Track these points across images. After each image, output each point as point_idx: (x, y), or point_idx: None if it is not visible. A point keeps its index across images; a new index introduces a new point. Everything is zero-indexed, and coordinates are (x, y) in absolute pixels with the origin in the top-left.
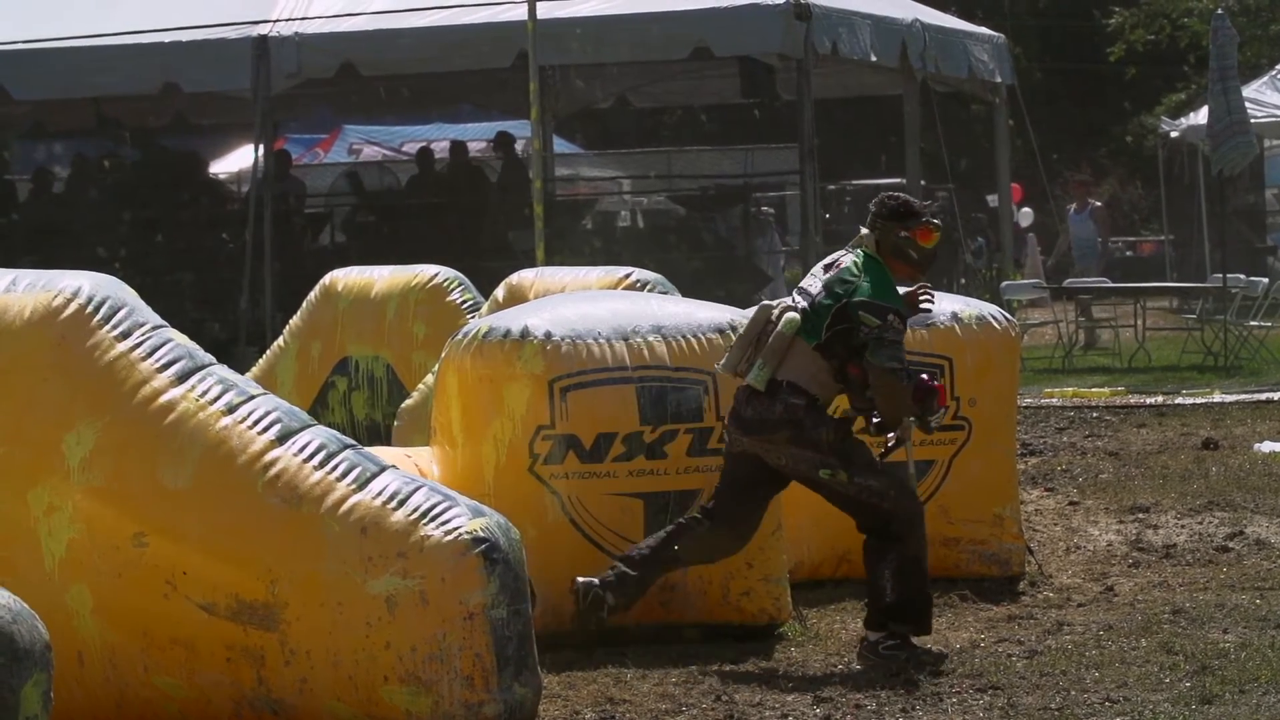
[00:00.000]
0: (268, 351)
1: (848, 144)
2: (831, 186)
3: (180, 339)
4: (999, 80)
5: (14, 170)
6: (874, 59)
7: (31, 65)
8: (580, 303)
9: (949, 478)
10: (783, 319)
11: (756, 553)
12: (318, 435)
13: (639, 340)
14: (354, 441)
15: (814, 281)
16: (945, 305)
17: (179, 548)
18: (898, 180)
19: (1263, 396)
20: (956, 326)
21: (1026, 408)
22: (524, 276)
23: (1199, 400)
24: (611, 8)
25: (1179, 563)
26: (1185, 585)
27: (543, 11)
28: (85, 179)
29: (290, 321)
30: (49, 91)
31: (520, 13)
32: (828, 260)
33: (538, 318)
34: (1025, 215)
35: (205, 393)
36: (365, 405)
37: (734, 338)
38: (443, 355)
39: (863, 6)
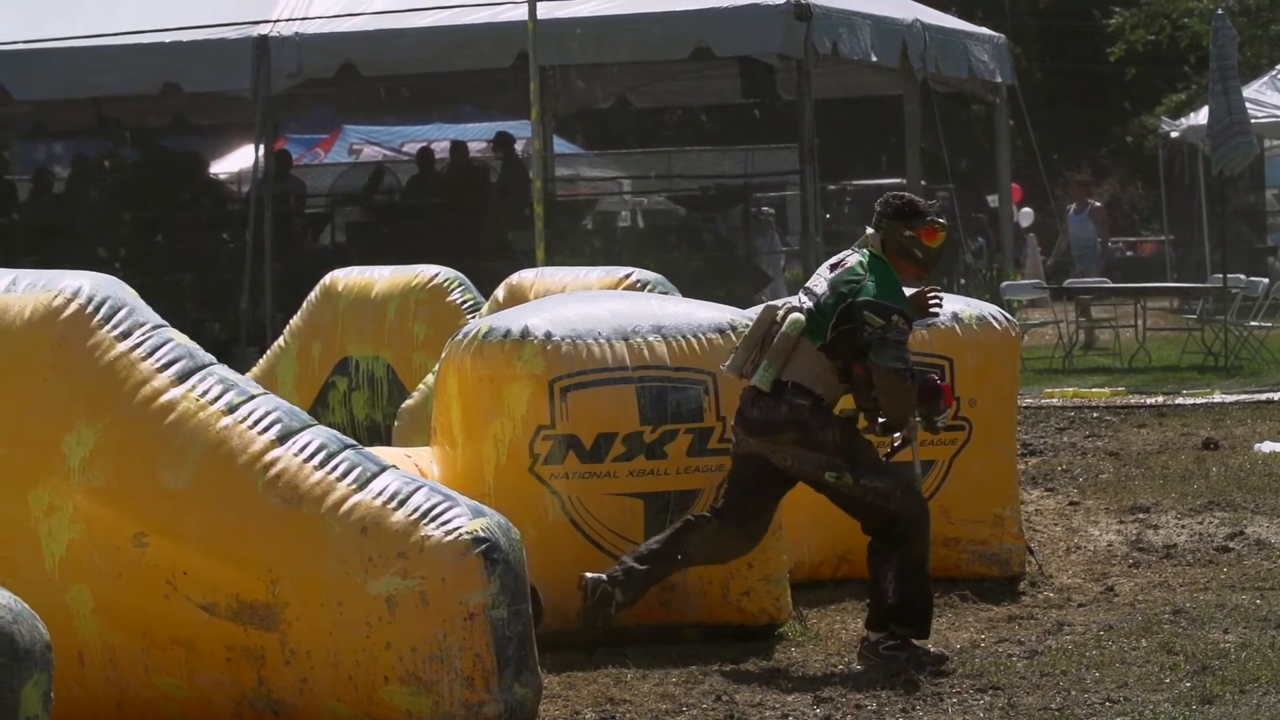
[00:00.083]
0: (268, 351)
1: (848, 144)
2: (832, 187)
3: (180, 339)
4: (999, 80)
5: (14, 170)
6: (874, 59)
7: (32, 65)
8: (580, 303)
9: (949, 478)
10: (787, 320)
11: (757, 553)
12: (318, 435)
13: (639, 340)
14: (354, 441)
15: (819, 281)
16: (946, 305)
17: (179, 548)
18: (898, 180)
19: (1263, 397)
20: (957, 327)
21: (1027, 408)
22: (524, 277)
23: (1199, 400)
24: (612, 8)
25: (1179, 563)
26: (1185, 585)
27: (543, 11)
28: (85, 179)
29: (290, 321)
30: (49, 91)
31: (521, 13)
32: (833, 260)
33: (538, 318)
34: (1026, 215)
35: (206, 393)
36: (365, 405)
37: (734, 338)
38: (443, 355)
39: (863, 7)
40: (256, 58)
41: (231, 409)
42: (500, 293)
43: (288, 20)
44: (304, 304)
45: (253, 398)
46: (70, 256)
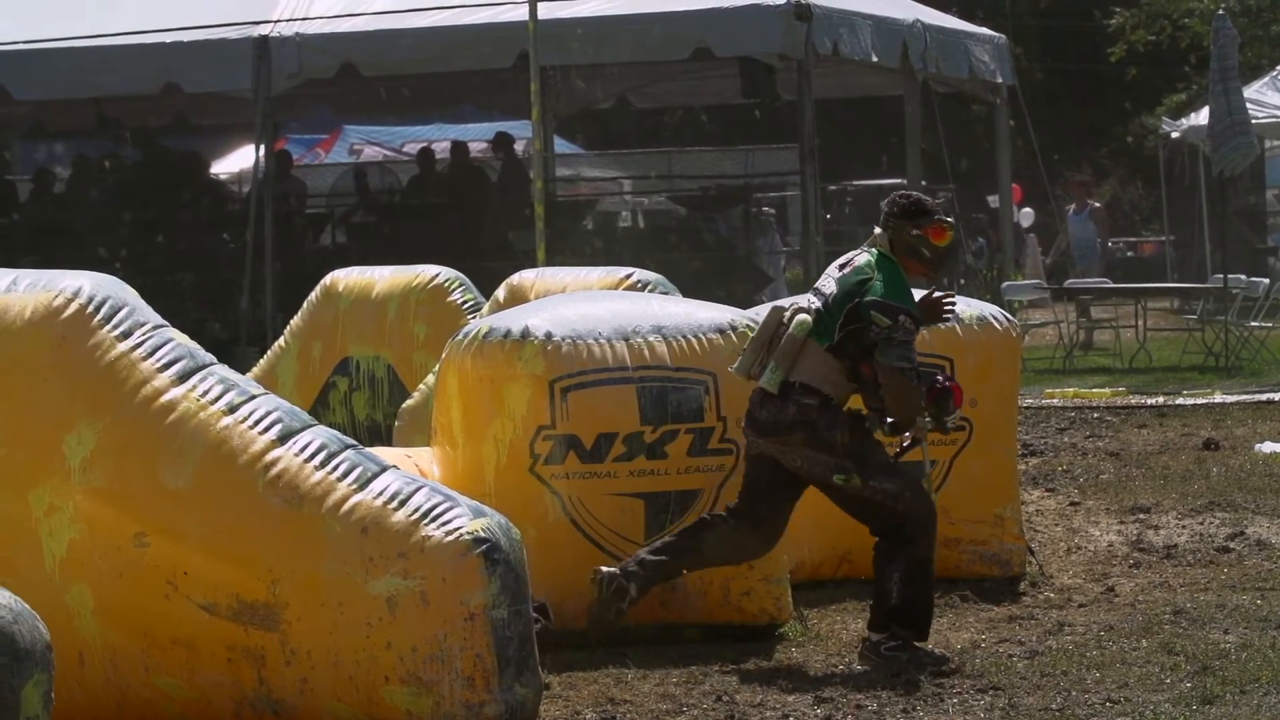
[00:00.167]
0: (269, 352)
1: (849, 144)
2: (832, 187)
3: (181, 339)
4: (1000, 80)
5: (15, 170)
6: (875, 59)
7: (32, 65)
8: (581, 303)
9: (950, 478)
10: (794, 321)
11: None
12: (319, 435)
13: (639, 340)
14: (355, 442)
15: (828, 281)
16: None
17: (180, 548)
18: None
19: (1263, 397)
20: (957, 327)
21: (1027, 408)
22: (525, 277)
23: (1200, 401)
24: (612, 8)
25: (1180, 563)
26: (1186, 586)
27: (544, 12)
28: (86, 179)
29: (291, 322)
30: (50, 91)
31: (521, 13)
32: (842, 260)
33: (538, 318)
34: (1026, 215)
35: (206, 393)
36: (366, 405)
37: (734, 338)
38: (443, 355)
39: (863, 7)
40: (257, 58)
41: (232, 409)
42: (501, 293)
43: (288, 20)
44: (304, 304)
45: (253, 398)
46: (71, 256)
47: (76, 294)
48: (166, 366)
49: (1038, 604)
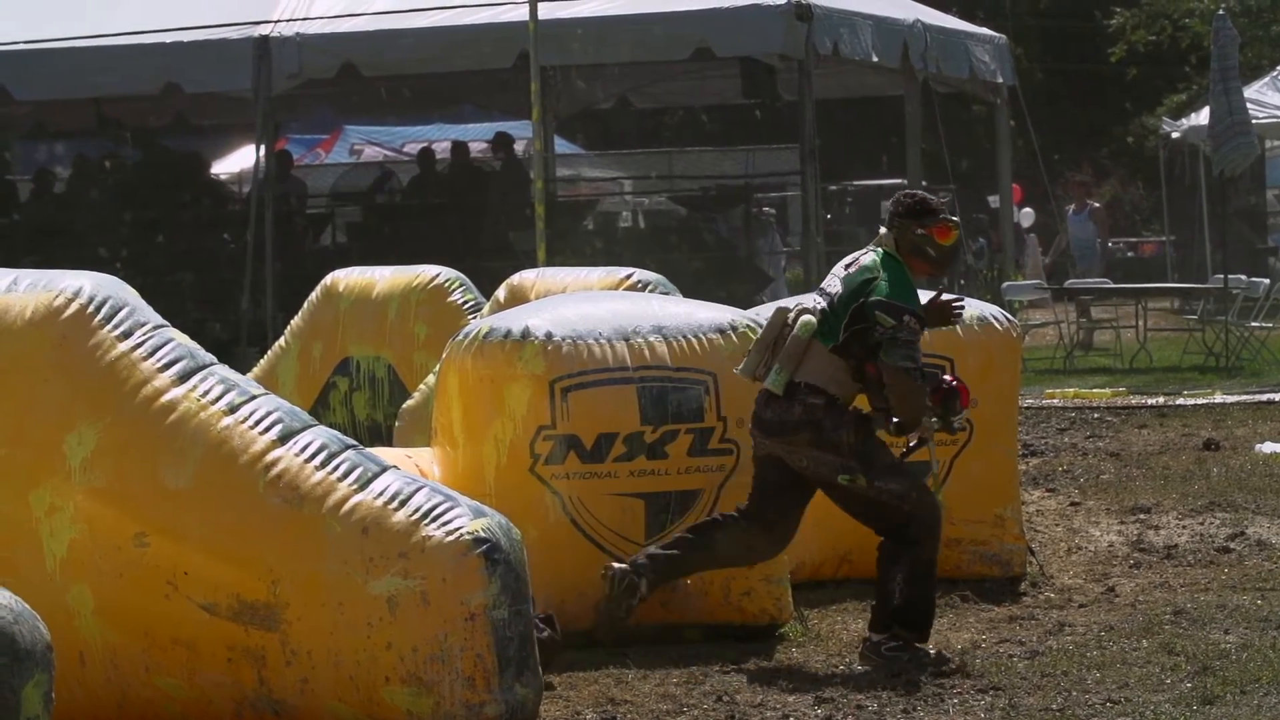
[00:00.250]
0: (269, 352)
1: (849, 145)
2: (833, 187)
3: (181, 339)
4: (1000, 81)
5: (15, 170)
6: (875, 59)
7: (33, 65)
8: (581, 303)
9: (950, 478)
10: (798, 322)
11: None
12: (319, 435)
13: (640, 340)
14: (355, 442)
15: (833, 280)
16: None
17: (180, 548)
18: (899, 181)
19: (1264, 397)
20: (958, 327)
21: (1028, 408)
22: (525, 277)
23: (1200, 401)
24: (613, 8)
25: (1180, 563)
26: (1186, 586)
27: (544, 12)
28: (86, 179)
29: (291, 322)
30: (50, 92)
31: (521, 13)
32: (848, 260)
33: (539, 318)
34: (1026, 215)
35: (207, 393)
36: (366, 406)
37: (735, 338)
38: (444, 356)
39: (864, 7)
40: (257, 58)
41: (233, 409)
42: (501, 293)
43: (289, 20)
44: (305, 304)
45: (254, 398)
46: (71, 256)
47: (77, 294)
48: (167, 366)
49: (1038, 604)
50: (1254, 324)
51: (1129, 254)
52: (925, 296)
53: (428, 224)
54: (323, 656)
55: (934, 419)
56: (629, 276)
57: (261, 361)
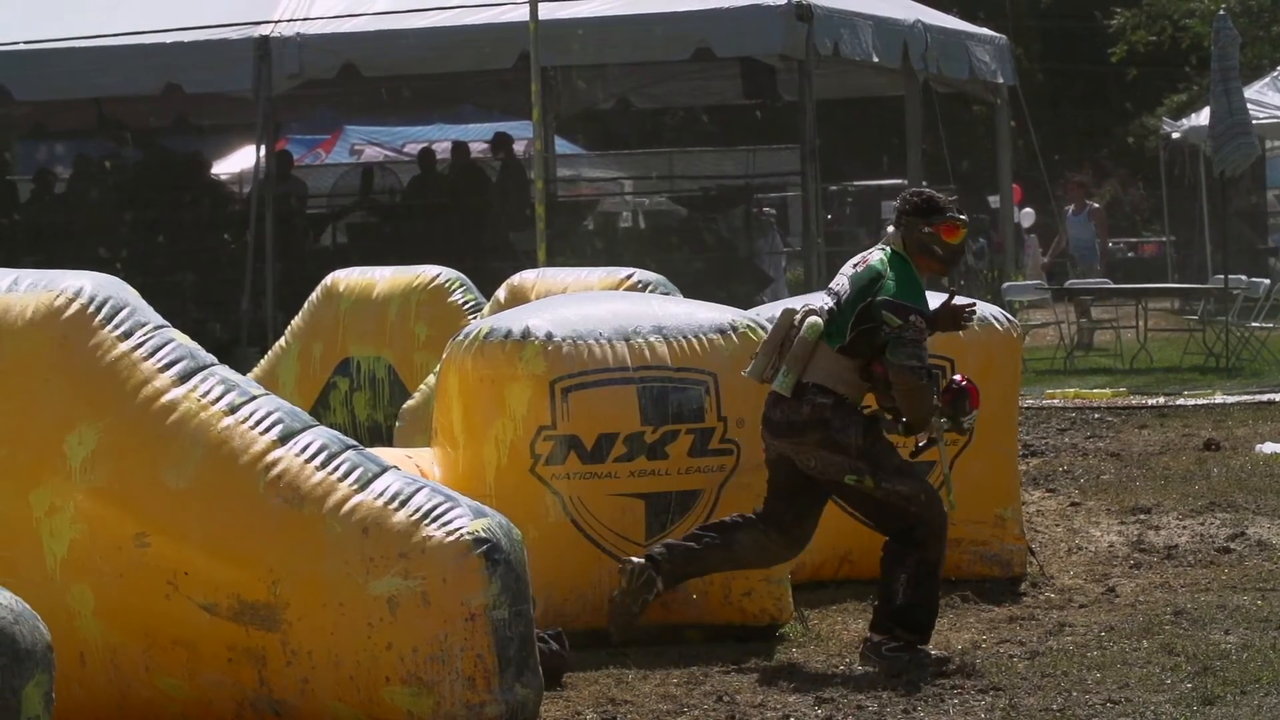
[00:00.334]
0: (269, 352)
1: (849, 145)
2: (833, 187)
3: (182, 339)
4: (1000, 81)
5: (16, 171)
6: (876, 60)
7: (33, 66)
8: (581, 303)
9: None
10: (805, 324)
11: None
12: (319, 436)
13: (640, 341)
14: (355, 442)
15: (841, 280)
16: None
17: (181, 548)
18: (900, 181)
19: (1264, 398)
20: None
21: (1028, 409)
22: (525, 277)
23: (1200, 401)
24: (613, 9)
25: (1180, 564)
26: (1187, 586)
27: (545, 12)
28: (87, 179)
29: (292, 322)
30: (51, 92)
31: (522, 13)
32: (856, 259)
33: (539, 318)
34: (1027, 216)
35: (207, 393)
36: (367, 406)
37: (735, 338)
38: (444, 356)
39: (864, 7)
40: (258, 58)
41: (233, 409)
42: (501, 293)
43: (289, 21)
44: (305, 304)
45: (254, 398)
46: (71, 257)
47: (78, 294)
48: (168, 367)
49: (1038, 604)
50: (1254, 324)
51: (1129, 254)
52: (938, 299)
53: (428, 224)
54: (323, 657)
55: (944, 419)
56: (629, 277)
57: (262, 362)
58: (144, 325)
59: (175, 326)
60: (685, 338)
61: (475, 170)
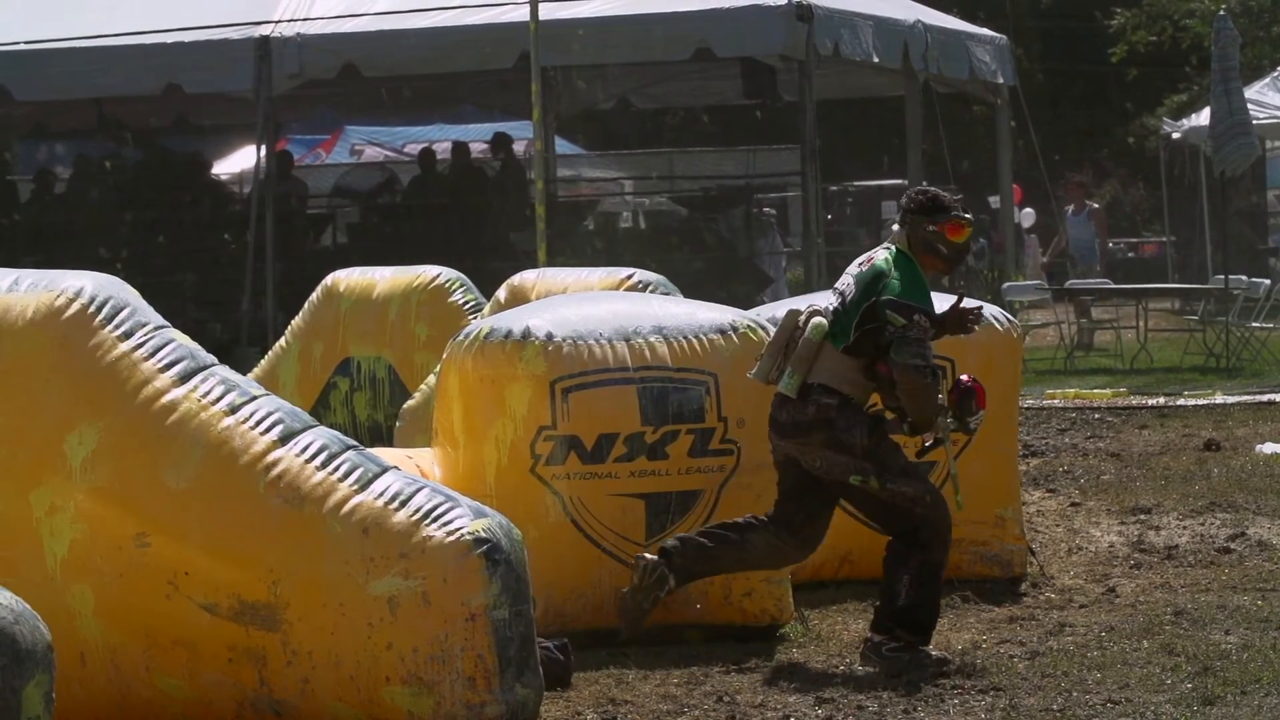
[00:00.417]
0: (269, 352)
1: (850, 145)
2: (833, 188)
3: (182, 339)
4: (1001, 81)
5: (16, 171)
6: (876, 60)
7: (34, 66)
8: (582, 303)
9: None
10: (810, 325)
11: None
12: (320, 436)
13: (640, 341)
14: (356, 442)
15: (847, 279)
16: (947, 307)
17: (181, 548)
18: (900, 181)
19: (1265, 398)
20: None
21: (1028, 409)
22: (526, 277)
23: (1201, 402)
24: (613, 9)
25: (1181, 564)
26: (1187, 586)
27: (545, 12)
28: (87, 179)
29: (292, 322)
30: (51, 92)
31: (522, 14)
32: (862, 258)
33: (539, 318)
34: (1027, 216)
35: (207, 393)
36: (367, 406)
37: (735, 339)
38: (444, 356)
39: (864, 8)
40: (258, 58)
41: (233, 410)
42: (502, 293)
43: (289, 21)
44: (305, 304)
45: (254, 398)
46: (72, 257)
47: (78, 294)
48: (168, 367)
49: (1039, 605)
50: (1254, 324)
51: (1130, 254)
52: (944, 301)
53: (428, 224)
54: (323, 657)
55: (950, 419)
56: (630, 277)
57: (262, 362)
58: (144, 325)
59: (175, 326)
60: (685, 338)
61: (475, 170)
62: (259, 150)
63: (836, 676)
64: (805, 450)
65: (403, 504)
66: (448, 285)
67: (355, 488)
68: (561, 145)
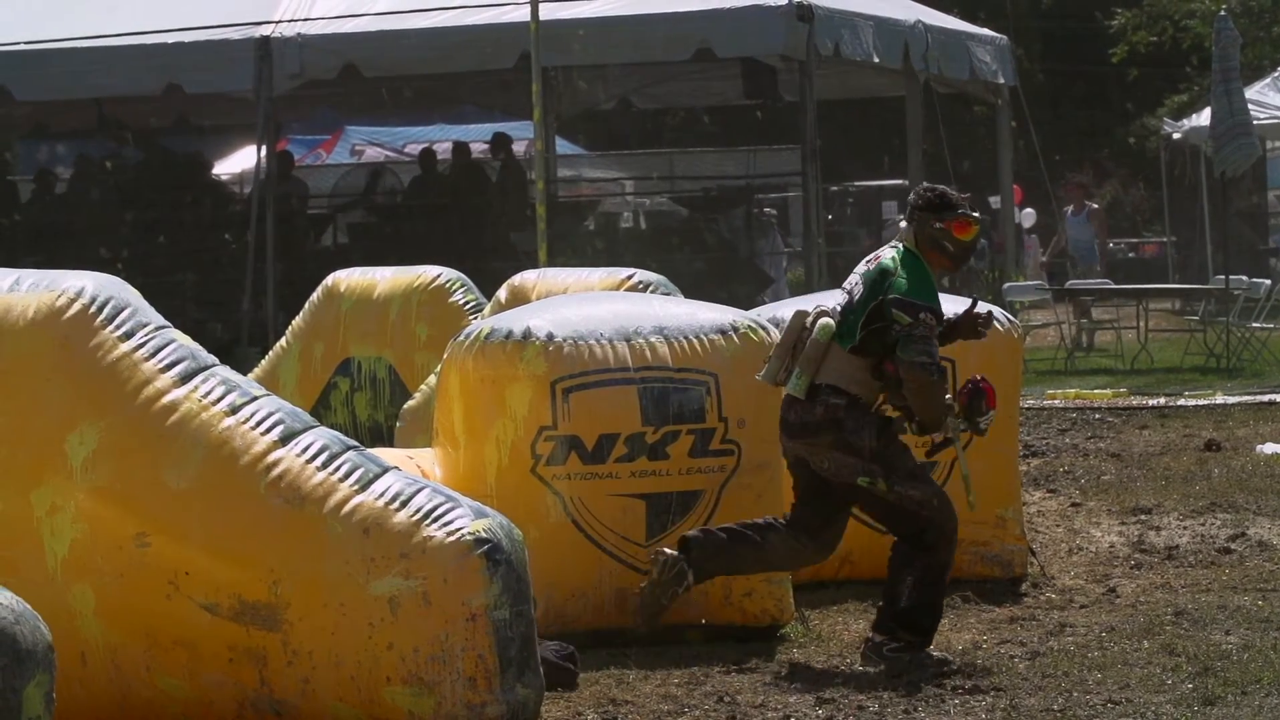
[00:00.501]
0: (270, 352)
1: (850, 145)
2: (834, 188)
3: (183, 340)
4: (1001, 81)
5: (16, 171)
6: (876, 60)
7: (34, 66)
8: (582, 304)
9: (951, 479)
10: (817, 325)
11: None
12: (320, 436)
13: (641, 341)
14: (356, 443)
15: (855, 279)
16: (947, 307)
17: (181, 548)
18: (900, 182)
19: (1265, 398)
20: None
21: (1029, 409)
22: (526, 278)
23: (1201, 402)
24: (614, 9)
25: (1181, 564)
26: (1187, 587)
27: (545, 13)
28: (88, 180)
29: (293, 322)
30: (52, 92)
31: (523, 14)
32: (870, 256)
33: (540, 319)
34: (1027, 216)
35: (208, 393)
36: (368, 406)
37: (736, 339)
38: (445, 356)
39: (865, 8)
40: (259, 58)
41: (234, 410)
42: (502, 294)
43: (290, 21)
44: (306, 305)
45: (255, 399)
46: (72, 257)
47: (79, 294)
48: (169, 367)
49: (1039, 605)
50: (1255, 325)
51: (1130, 255)
52: (956, 304)
53: (429, 225)
54: (324, 657)
55: (960, 419)
56: (630, 277)
57: (263, 362)
58: (145, 325)
59: (176, 326)
60: (686, 338)
61: (476, 170)
62: (259, 150)
63: (837, 677)
64: (814, 451)
65: (403, 504)
66: (448, 285)
67: (356, 488)
68: (562, 145)
